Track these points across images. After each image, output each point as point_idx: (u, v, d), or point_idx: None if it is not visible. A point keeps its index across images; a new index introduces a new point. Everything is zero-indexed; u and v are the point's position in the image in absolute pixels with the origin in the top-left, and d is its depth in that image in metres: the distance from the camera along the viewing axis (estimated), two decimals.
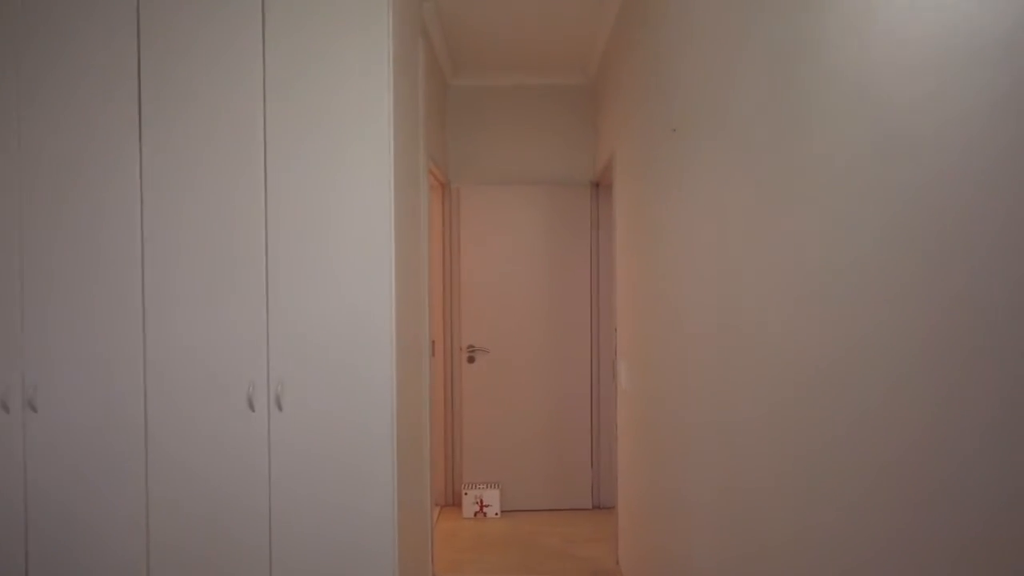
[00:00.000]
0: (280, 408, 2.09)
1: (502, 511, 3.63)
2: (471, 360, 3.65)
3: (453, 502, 3.77)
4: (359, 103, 2.07)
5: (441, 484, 3.75)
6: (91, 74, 2.07)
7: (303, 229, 2.09)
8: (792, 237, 1.06)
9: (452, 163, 3.77)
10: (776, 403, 1.12)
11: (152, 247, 2.08)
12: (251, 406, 2.09)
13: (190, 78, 2.07)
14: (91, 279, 2.09)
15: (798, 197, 1.04)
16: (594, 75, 3.62)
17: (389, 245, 2.09)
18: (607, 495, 3.73)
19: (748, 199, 1.25)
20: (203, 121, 2.08)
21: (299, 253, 2.09)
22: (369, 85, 2.06)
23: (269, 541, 2.08)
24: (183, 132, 2.07)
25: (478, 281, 3.65)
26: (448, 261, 3.75)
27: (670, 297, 1.89)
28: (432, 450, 3.02)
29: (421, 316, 2.72)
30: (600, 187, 3.72)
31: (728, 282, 1.37)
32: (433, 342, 3.74)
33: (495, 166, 3.76)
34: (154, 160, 2.08)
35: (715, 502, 1.47)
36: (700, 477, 1.59)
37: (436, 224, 3.76)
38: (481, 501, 3.56)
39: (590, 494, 3.68)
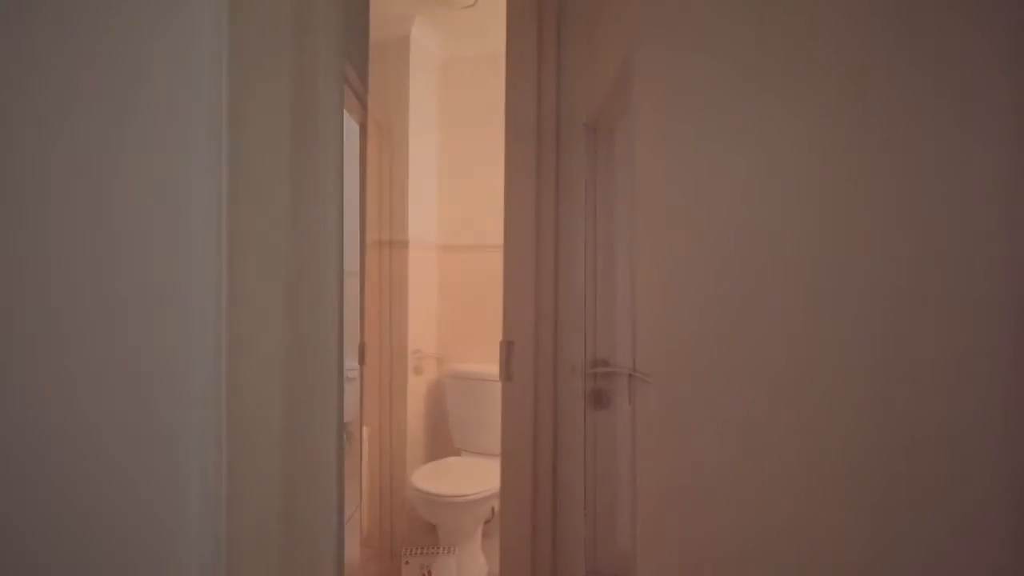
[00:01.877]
0: None
1: None
2: (418, 371, 2.61)
3: (390, 573, 2.71)
4: None
5: (374, 545, 2.69)
6: None
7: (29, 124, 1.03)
8: None
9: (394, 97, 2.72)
10: None
11: None
12: None
13: None
14: None
15: None
16: None
17: (213, 169, 1.03)
18: (608, 560, 2.72)
19: None
20: None
21: (27, 173, 1.03)
22: None
23: None
24: None
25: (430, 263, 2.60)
26: (388, 232, 2.71)
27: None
28: (364, 497, 2.00)
29: (321, 306, 1.67)
30: (599, 132, 2.71)
31: None
32: (363, 345, 2.69)
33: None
34: None
35: None
36: None
37: (371, 182, 2.71)
38: (428, 574, 2.51)
39: (583, 559, 2.67)
